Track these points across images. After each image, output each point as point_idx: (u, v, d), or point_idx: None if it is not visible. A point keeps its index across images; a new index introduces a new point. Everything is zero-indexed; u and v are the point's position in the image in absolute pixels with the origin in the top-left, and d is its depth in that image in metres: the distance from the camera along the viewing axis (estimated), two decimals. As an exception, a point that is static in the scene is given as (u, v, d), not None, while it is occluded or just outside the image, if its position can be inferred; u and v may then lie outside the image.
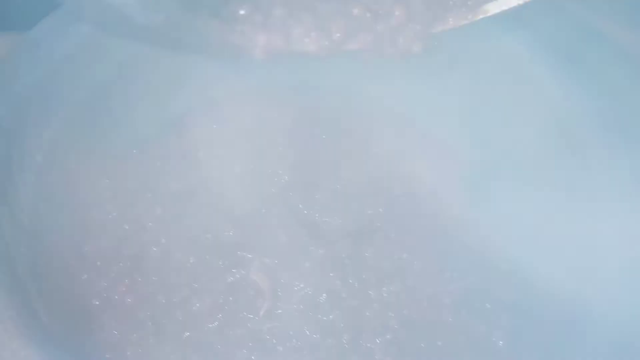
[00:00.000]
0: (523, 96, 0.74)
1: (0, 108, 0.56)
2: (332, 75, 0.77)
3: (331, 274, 0.65)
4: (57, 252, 0.63)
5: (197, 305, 0.64)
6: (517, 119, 0.72)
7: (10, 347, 0.45)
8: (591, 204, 0.65)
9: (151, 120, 0.78)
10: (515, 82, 0.75)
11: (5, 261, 0.50)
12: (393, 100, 0.78)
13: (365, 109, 0.79)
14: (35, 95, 0.60)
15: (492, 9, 0.53)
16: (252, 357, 0.61)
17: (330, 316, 0.63)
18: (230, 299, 0.64)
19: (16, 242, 0.54)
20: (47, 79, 0.61)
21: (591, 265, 0.62)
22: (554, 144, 0.71)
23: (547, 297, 0.61)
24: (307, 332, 0.62)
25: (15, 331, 0.46)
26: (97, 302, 0.65)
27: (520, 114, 0.73)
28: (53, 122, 0.63)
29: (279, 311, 0.64)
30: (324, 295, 0.64)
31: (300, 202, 0.72)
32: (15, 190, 0.56)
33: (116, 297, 0.65)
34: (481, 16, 0.53)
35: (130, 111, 0.74)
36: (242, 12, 0.52)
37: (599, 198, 0.66)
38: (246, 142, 0.78)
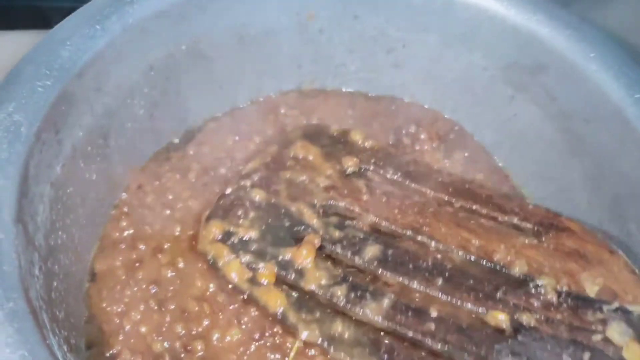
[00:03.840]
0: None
1: (20, 113, 0.50)
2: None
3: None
4: (70, 272, 0.58)
5: (219, 338, 0.59)
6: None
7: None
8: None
9: (174, 128, 0.73)
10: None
11: (16, 288, 0.44)
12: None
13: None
14: (58, 99, 0.54)
15: None
16: (281, 404, 0.55)
17: (370, 363, 0.57)
18: (256, 335, 0.59)
19: (30, 264, 0.48)
20: (71, 82, 0.56)
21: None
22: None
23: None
24: (344, 379, 0.56)
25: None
26: (108, 328, 0.59)
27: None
28: (75, 130, 0.57)
29: (311, 353, 0.58)
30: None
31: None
32: (31, 205, 0.50)
33: (129, 326, 0.59)
34: None
35: (153, 119, 0.69)
36: None
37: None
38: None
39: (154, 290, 0.61)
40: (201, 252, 0.61)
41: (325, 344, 0.56)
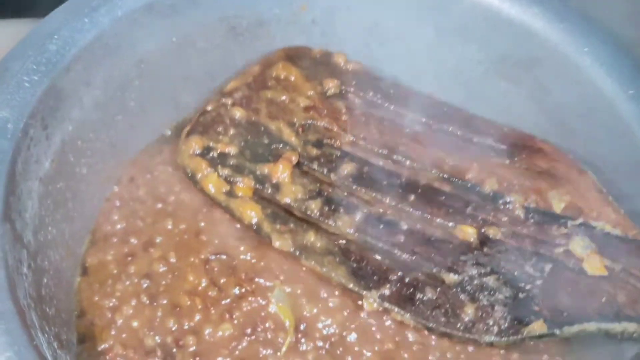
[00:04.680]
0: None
1: (6, 109, 0.50)
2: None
3: (362, 314, 0.59)
4: (61, 267, 0.57)
5: (211, 333, 0.59)
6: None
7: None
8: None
9: (165, 120, 0.73)
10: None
11: (3, 288, 0.43)
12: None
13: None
14: (46, 94, 0.53)
15: None
16: (273, 399, 0.55)
17: (362, 357, 0.57)
18: (248, 330, 0.59)
19: (18, 262, 0.48)
20: (60, 76, 0.55)
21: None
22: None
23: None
24: (335, 374, 0.57)
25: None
26: (100, 323, 0.59)
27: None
28: (64, 124, 0.57)
29: (303, 348, 0.58)
30: (354, 334, 0.58)
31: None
32: (19, 202, 0.49)
33: (121, 320, 0.59)
34: None
35: (144, 111, 0.68)
36: None
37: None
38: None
39: (146, 285, 0.61)
40: (180, 165, 0.62)
41: (297, 253, 0.58)
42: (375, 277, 0.56)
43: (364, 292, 0.55)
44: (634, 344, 0.51)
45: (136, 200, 0.67)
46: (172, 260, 0.63)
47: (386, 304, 0.55)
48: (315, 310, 0.60)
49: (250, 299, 0.60)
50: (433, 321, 0.54)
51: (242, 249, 0.63)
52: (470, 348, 0.59)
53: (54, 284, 0.55)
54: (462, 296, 0.54)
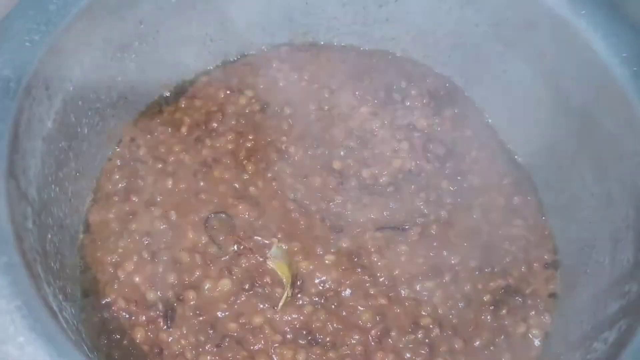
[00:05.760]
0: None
1: (8, 68, 0.50)
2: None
3: (358, 270, 0.61)
4: (64, 224, 0.59)
5: (210, 288, 0.61)
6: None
7: (16, 340, 0.41)
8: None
9: (165, 81, 0.73)
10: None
11: (10, 241, 0.45)
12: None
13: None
14: (47, 54, 0.54)
15: None
16: (271, 351, 0.57)
17: (357, 312, 0.60)
18: (246, 286, 0.61)
19: (23, 217, 0.49)
20: (60, 36, 0.55)
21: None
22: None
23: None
24: (330, 327, 0.59)
25: (22, 323, 0.41)
26: (103, 278, 0.61)
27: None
28: (65, 85, 0.57)
29: (299, 303, 0.60)
30: (348, 290, 0.61)
31: (324, 188, 0.67)
32: (23, 160, 0.51)
33: (123, 275, 0.61)
34: None
35: (144, 72, 0.69)
36: None
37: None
38: (264, 112, 0.73)
39: (147, 242, 0.63)
40: None
41: None
42: None
43: None
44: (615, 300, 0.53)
45: (137, 160, 0.68)
46: (173, 218, 0.64)
47: None
48: (311, 267, 0.62)
49: (248, 255, 0.62)
50: None
51: (240, 207, 0.65)
52: (461, 304, 0.61)
53: (58, 240, 0.57)
54: None
